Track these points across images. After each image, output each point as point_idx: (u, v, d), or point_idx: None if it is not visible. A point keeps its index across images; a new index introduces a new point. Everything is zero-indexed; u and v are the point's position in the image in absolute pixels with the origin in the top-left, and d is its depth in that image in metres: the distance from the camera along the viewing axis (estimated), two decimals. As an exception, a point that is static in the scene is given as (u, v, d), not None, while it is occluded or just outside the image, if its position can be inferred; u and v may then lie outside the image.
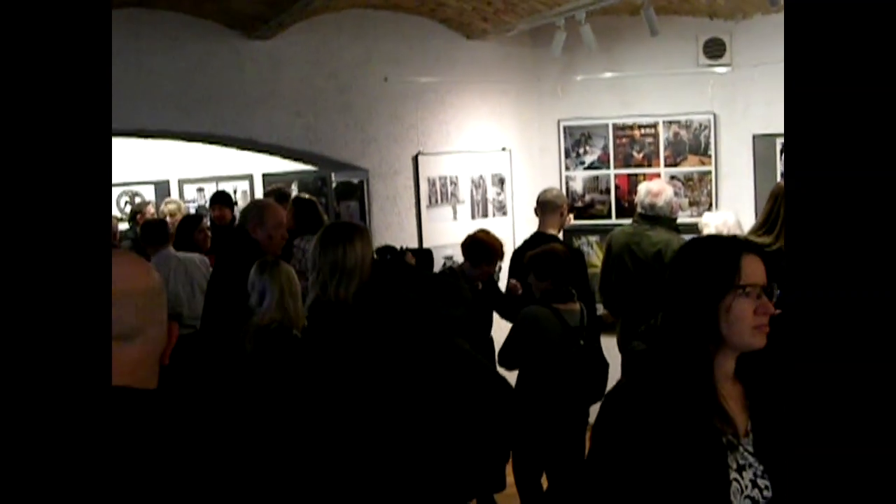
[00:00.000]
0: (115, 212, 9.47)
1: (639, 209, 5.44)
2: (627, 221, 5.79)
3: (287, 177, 9.01)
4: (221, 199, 7.67)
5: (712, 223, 5.67)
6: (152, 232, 6.02)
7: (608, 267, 5.58)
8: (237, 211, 8.08)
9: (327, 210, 7.07)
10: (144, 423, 1.43)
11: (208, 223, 6.71)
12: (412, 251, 3.95)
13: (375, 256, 3.54)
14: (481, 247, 4.95)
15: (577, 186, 7.04)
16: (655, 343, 2.22)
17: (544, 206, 5.61)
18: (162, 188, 10.02)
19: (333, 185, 7.14)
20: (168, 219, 7.45)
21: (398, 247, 3.92)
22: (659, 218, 5.32)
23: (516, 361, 4.58)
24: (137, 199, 9.79)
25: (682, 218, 6.12)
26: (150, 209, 8.74)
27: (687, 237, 5.19)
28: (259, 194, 9.63)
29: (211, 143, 6.89)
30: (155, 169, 9.95)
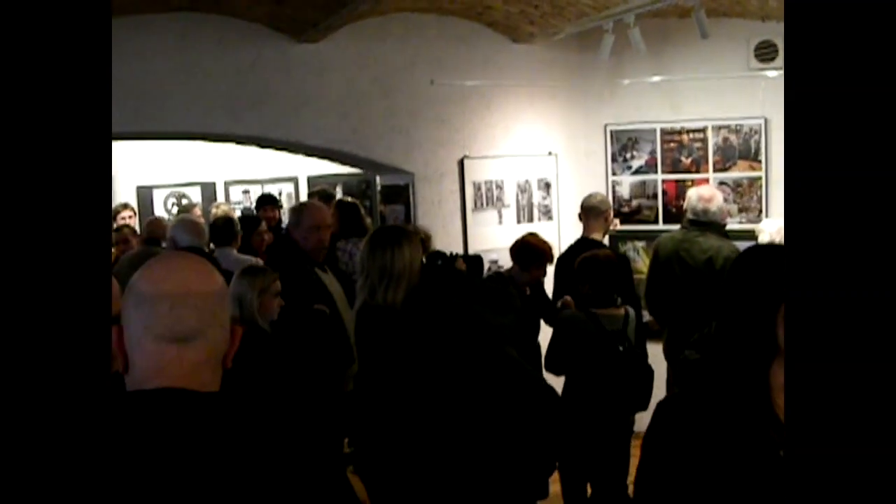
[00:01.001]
0: (163, 213, 9.58)
1: (689, 215, 5.35)
2: (675, 227, 5.71)
3: (332, 179, 9.07)
4: (269, 201, 7.73)
5: (767, 230, 5.58)
6: (221, 231, 6.08)
7: (655, 273, 5.51)
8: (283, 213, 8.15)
9: (371, 213, 7.08)
10: (202, 425, 1.43)
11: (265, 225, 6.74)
12: (463, 257, 3.93)
13: (424, 261, 3.52)
14: (531, 250, 4.92)
15: (624, 191, 6.97)
16: (709, 352, 2.17)
17: (588, 212, 5.56)
18: (208, 190, 10.12)
19: (378, 188, 7.15)
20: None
21: (448, 252, 3.91)
22: (710, 224, 5.24)
23: (561, 366, 4.54)
24: (184, 201, 9.90)
25: (732, 224, 6.01)
26: (197, 211, 8.82)
27: (737, 244, 5.13)
28: (304, 197, 9.69)
29: (259, 145, 6.93)
30: (201, 171, 10.05)
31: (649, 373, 4.59)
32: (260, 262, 5.91)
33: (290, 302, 4.03)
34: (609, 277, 4.50)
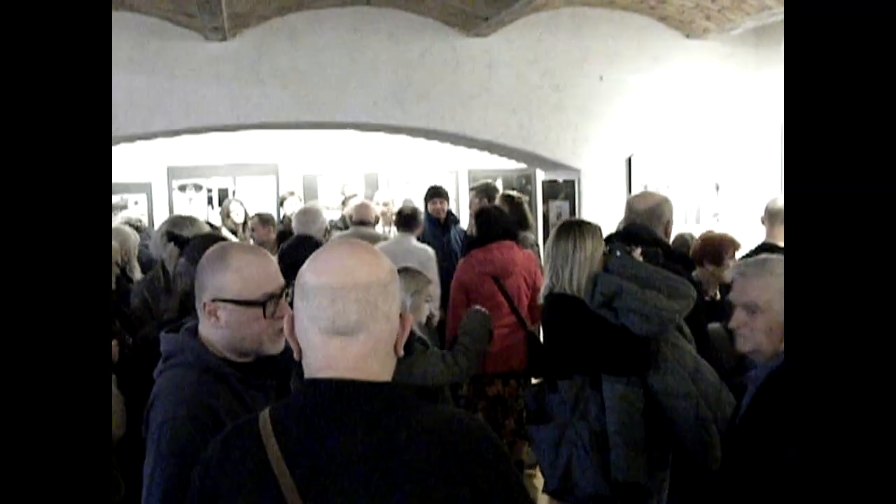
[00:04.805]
0: (327, 202, 9.85)
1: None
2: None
3: (492, 174, 9.11)
4: (439, 194, 7.79)
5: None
6: (405, 220, 6.20)
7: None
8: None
9: (532, 208, 7.03)
10: (369, 414, 1.44)
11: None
12: (642, 250, 3.90)
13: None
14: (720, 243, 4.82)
15: (799, 195, 6.63)
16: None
17: (774, 216, 5.26)
18: (371, 180, 10.35)
19: (538, 183, 7.08)
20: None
21: (627, 246, 3.90)
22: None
23: None
24: (347, 190, 10.15)
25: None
26: (358, 200, 9.00)
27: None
28: (464, 189, 9.78)
29: (426, 137, 7.00)
30: (364, 161, 10.28)
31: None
32: (429, 252, 5.95)
33: None
34: None
